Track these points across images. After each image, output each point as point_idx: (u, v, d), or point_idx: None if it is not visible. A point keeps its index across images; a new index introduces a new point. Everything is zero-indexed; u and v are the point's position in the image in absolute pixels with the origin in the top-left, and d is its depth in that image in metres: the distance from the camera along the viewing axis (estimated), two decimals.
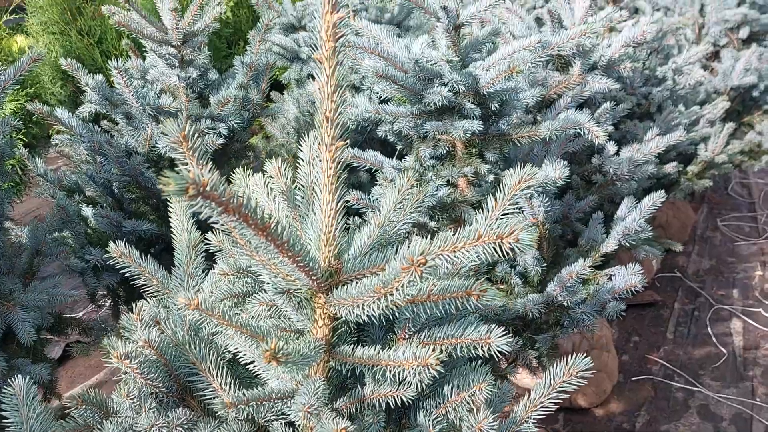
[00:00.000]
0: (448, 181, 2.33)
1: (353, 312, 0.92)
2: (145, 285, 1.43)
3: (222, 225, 0.86)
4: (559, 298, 2.11)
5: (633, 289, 2.10)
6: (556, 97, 2.81)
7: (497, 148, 2.35)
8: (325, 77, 0.92)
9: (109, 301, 3.09)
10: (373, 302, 0.86)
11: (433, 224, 2.37)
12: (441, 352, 1.06)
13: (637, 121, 3.61)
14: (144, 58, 2.97)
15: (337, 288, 0.99)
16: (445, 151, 2.34)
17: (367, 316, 0.91)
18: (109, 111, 2.83)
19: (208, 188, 0.71)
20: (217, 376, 1.17)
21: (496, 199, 1.17)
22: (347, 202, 2.22)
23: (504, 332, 0.98)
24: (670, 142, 2.93)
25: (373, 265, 0.99)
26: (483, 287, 0.90)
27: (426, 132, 2.23)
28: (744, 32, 4.83)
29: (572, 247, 2.90)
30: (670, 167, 3.55)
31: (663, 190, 2.54)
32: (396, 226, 1.22)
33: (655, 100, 3.67)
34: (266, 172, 1.27)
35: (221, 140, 2.62)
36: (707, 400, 3.55)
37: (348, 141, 0.97)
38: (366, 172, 3.27)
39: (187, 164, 0.97)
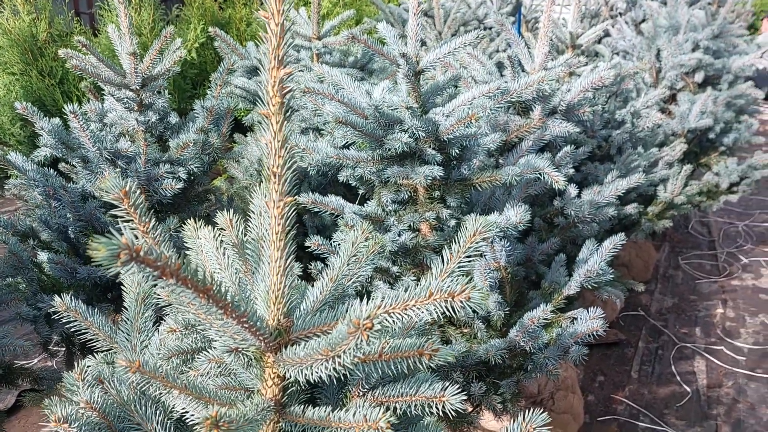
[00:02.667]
0: (410, 226, 2.32)
1: (302, 373, 0.89)
2: (92, 340, 1.38)
3: (159, 290, 0.83)
4: (522, 344, 2.09)
5: (595, 333, 2.10)
6: (517, 141, 2.84)
7: (459, 193, 2.35)
8: (272, 133, 0.90)
9: (63, 349, 2.99)
10: (321, 364, 0.83)
11: (395, 269, 2.35)
12: (394, 411, 1.02)
13: (597, 163, 3.67)
14: (103, 102, 2.93)
15: (286, 348, 0.96)
16: (407, 196, 2.33)
17: (318, 376, 0.88)
18: (65, 155, 2.78)
19: (141, 253, 0.68)
20: None
21: (451, 252, 1.16)
22: (307, 248, 2.19)
23: (458, 390, 0.96)
24: (630, 184, 2.98)
25: (323, 323, 0.96)
26: (435, 347, 0.88)
27: (387, 177, 2.22)
28: (699, 76, 4.99)
29: (536, 288, 2.91)
30: (631, 208, 3.60)
31: (623, 233, 2.56)
32: (351, 279, 1.20)
33: (615, 142, 3.75)
34: (217, 224, 1.24)
35: (180, 184, 2.58)
36: None
37: (296, 198, 0.95)
38: (329, 214, 3.25)
39: (129, 221, 0.93)
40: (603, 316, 2.19)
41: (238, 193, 3.62)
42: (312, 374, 0.86)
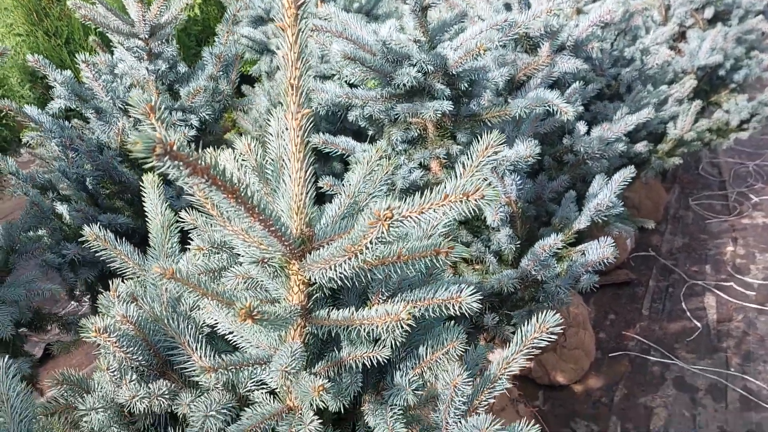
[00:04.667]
0: (420, 163, 2.35)
1: (326, 274, 0.94)
2: (121, 268, 1.44)
3: (191, 190, 0.88)
4: (534, 273, 2.15)
5: (606, 260, 2.15)
6: (525, 79, 2.85)
7: (468, 128, 2.38)
8: (288, 45, 0.93)
9: (89, 297, 3.08)
10: (344, 262, 0.88)
11: None
12: (414, 309, 1.08)
13: (607, 102, 3.66)
14: (111, 54, 2.95)
15: (310, 254, 1.01)
16: (416, 134, 2.36)
17: (340, 278, 0.93)
18: (78, 106, 2.82)
19: (175, 148, 0.72)
20: (196, 349, 1.18)
21: (464, 166, 1.20)
22: (320, 188, 2.23)
23: (473, 290, 1.01)
24: (640, 119, 2.99)
25: (343, 231, 1.01)
26: (450, 244, 0.93)
27: (397, 115, 2.25)
28: (709, 12, 4.92)
29: (546, 227, 2.95)
30: (641, 146, 3.61)
31: (632, 166, 2.59)
32: (367, 198, 1.24)
33: (624, 80, 3.73)
34: (236, 149, 1.28)
35: (193, 132, 2.62)
36: (683, 372, 3.63)
37: (313, 108, 0.99)
38: (340, 161, 3.28)
39: None
40: (613, 244, 2.23)
41: None
42: (336, 275, 0.91)
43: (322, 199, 2.59)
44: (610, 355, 3.83)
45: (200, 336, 1.20)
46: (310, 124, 1.00)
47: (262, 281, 1.12)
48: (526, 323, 1.11)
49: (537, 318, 1.10)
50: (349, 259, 0.88)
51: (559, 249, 2.19)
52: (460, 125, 2.35)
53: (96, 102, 2.77)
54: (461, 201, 0.91)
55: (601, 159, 3.06)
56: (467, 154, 1.20)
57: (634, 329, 4.04)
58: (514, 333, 2.44)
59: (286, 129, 1.00)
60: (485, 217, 2.33)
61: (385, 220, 0.78)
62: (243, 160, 1.26)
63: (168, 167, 0.74)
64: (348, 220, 1.02)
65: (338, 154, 2.36)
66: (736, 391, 3.44)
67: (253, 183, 1.18)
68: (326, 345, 1.13)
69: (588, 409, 3.44)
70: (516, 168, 2.33)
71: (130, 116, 2.75)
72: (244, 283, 1.18)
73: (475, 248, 2.37)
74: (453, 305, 1.03)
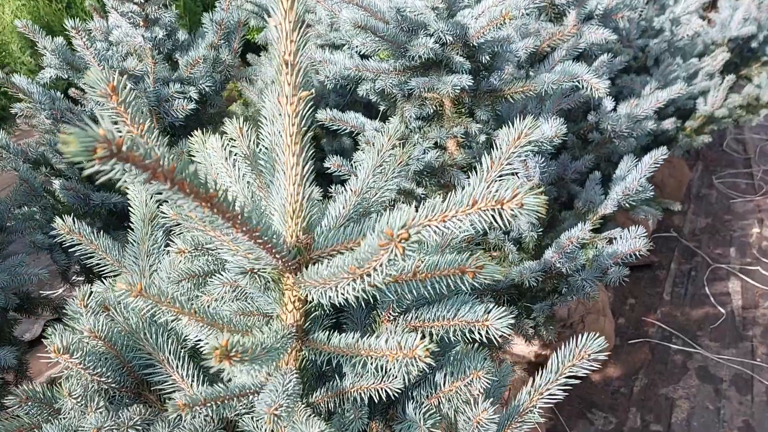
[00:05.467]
0: (436, 143, 2.17)
1: (326, 294, 0.77)
2: (99, 265, 1.28)
3: (155, 194, 0.70)
4: (558, 265, 1.97)
5: (637, 253, 1.97)
6: (549, 51, 2.64)
7: (489, 105, 2.18)
8: (281, 12, 0.75)
9: (84, 279, 2.94)
10: (348, 283, 0.71)
11: (420, 190, 2.21)
12: (431, 338, 0.91)
13: (633, 75, 3.45)
14: (107, 20, 2.76)
15: (307, 267, 0.84)
16: (432, 111, 2.17)
17: (344, 298, 0.76)
18: (71, 76, 2.64)
19: (124, 148, 0.54)
20: (177, 367, 1.02)
21: (491, 159, 1.02)
22: (327, 169, 2.05)
23: (504, 313, 0.83)
24: (671, 95, 2.77)
25: (348, 239, 0.83)
26: (479, 262, 0.75)
27: (411, 89, 2.05)
28: None
29: (567, 209, 2.77)
30: (669, 123, 3.40)
31: (665, 147, 2.39)
32: (377, 193, 1.06)
33: (653, 52, 3.50)
34: (226, 133, 1.10)
35: (192, 105, 2.44)
36: (706, 361, 3.46)
37: (313, 92, 0.80)
38: (349, 137, 3.10)
39: (116, 123, 0.80)
40: (645, 234, 2.05)
41: (254, 117, 3.46)
42: (337, 296, 0.74)
43: (326, 179, 2.42)
44: (629, 342, 3.67)
45: (182, 352, 1.04)
46: (310, 109, 0.82)
47: (252, 293, 0.95)
48: (565, 346, 0.93)
49: (576, 341, 0.93)
50: (354, 280, 0.70)
51: (585, 238, 2.01)
52: (479, 101, 2.16)
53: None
54: (494, 210, 0.73)
55: (628, 138, 2.86)
56: (494, 144, 1.02)
57: (655, 315, 3.87)
58: (534, 328, 2.28)
59: (279, 115, 0.81)
60: None
61: (400, 242, 0.61)
62: (233, 146, 1.08)
63: (116, 172, 0.56)
64: (353, 225, 0.84)
65: (347, 131, 2.17)
66: (763, 383, 3.27)
67: (243, 176, 1.00)
68: (326, 366, 0.97)
69: (606, 399, 3.29)
70: (540, 149, 2.14)
71: None
72: (233, 291, 1.01)
73: (493, 235, 2.19)
74: (479, 329, 0.86)
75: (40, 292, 3.13)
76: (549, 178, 2.62)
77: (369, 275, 0.67)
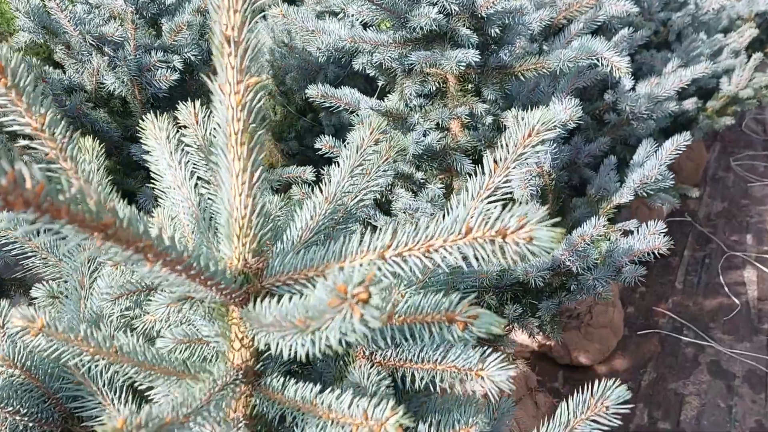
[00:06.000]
0: (438, 123, 1.97)
1: (275, 344, 0.60)
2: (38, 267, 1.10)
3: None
4: (567, 263, 1.79)
5: (657, 251, 1.78)
6: (565, 23, 2.42)
7: (497, 83, 1.98)
8: None
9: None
10: (296, 336, 0.54)
11: (420, 175, 2.03)
12: (412, 382, 0.73)
13: (654, 51, 3.23)
14: None
15: (256, 299, 0.66)
16: (434, 88, 1.97)
17: (293, 352, 0.58)
18: (48, 41, 2.44)
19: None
20: (113, 401, 0.86)
21: (495, 160, 0.83)
22: (317, 150, 1.87)
23: (503, 363, 0.66)
24: (695, 75, 2.56)
25: (311, 265, 0.65)
26: (472, 312, 0.58)
27: (412, 64, 1.85)
28: None
29: (579, 195, 2.58)
30: (690, 103, 3.18)
31: (687, 132, 2.20)
32: (356, 197, 0.88)
33: (675, 26, 3.27)
34: (178, 120, 0.92)
35: (176, 75, 2.25)
36: (718, 355, 3.30)
37: (266, 77, 0.61)
38: (348, 111, 2.90)
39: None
40: (665, 231, 1.86)
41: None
42: (286, 348, 0.57)
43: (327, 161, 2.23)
44: (638, 332, 3.50)
45: (121, 381, 0.87)
46: (260, 100, 0.63)
47: (196, 321, 0.78)
48: (577, 394, 0.76)
49: (592, 389, 0.75)
50: (302, 334, 0.53)
51: (599, 235, 1.83)
52: (487, 79, 1.96)
53: (66, 37, 2.39)
54: (493, 241, 0.55)
55: (647, 120, 2.65)
56: (502, 142, 0.83)
57: (666, 304, 3.70)
58: (539, 327, 2.11)
59: (221, 104, 0.63)
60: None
61: (357, 303, 0.43)
62: (184, 135, 0.89)
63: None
64: (320, 248, 0.66)
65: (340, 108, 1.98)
66: None
67: (188, 176, 0.82)
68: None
69: None
70: (555, 127, 1.94)
71: (104, 54, 2.37)
72: (178, 312, 0.83)
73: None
74: (472, 377, 0.68)
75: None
76: (561, 163, 2.42)
77: (320, 330, 0.50)
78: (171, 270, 0.56)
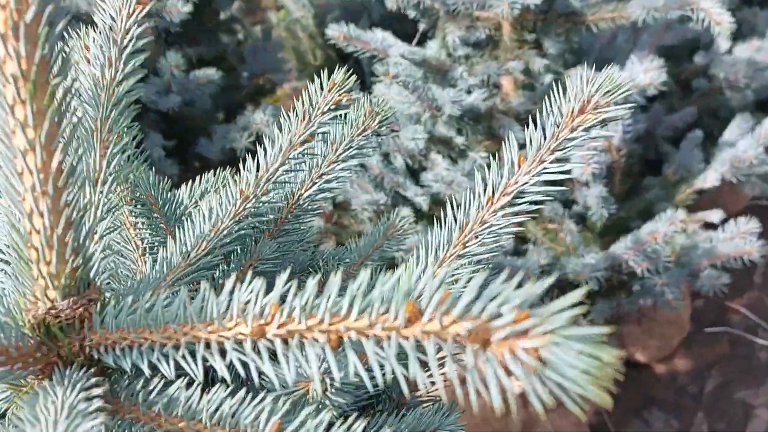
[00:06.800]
0: (485, 80, 1.65)
1: None
2: None
3: None
4: (631, 264, 1.45)
5: (747, 257, 1.43)
6: None
7: (563, 34, 1.67)
8: None
9: None
10: None
11: (461, 140, 1.72)
12: None
13: (757, 9, 2.79)
14: None
15: (74, 365, 0.38)
16: (484, 36, 1.65)
17: None
18: None
19: None
20: None
21: (527, 148, 0.52)
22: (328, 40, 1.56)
23: None
24: None
25: (157, 324, 0.36)
26: None
27: (455, 5, 1.52)
28: None
29: (654, 173, 2.22)
30: None
31: None
32: (315, 184, 0.58)
33: None
34: None
35: (188, 7, 1.97)
36: None
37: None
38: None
39: None
40: (758, 231, 1.50)
41: (289, 27, 2.96)
42: None
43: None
44: (706, 330, 3.14)
45: None
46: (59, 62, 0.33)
47: None
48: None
49: None
50: None
51: (675, 231, 1.48)
52: (550, 28, 1.64)
53: None
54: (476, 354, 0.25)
55: (744, 90, 2.26)
56: (537, 117, 0.52)
57: (741, 300, 3.30)
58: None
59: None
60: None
61: None
62: None
63: None
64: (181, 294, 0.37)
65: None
66: None
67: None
68: None
69: (669, 397, 2.83)
70: (627, 100, 1.59)
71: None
72: None
73: (549, 208, 1.68)
74: None
75: None
76: (634, 135, 2.07)
77: None
78: None
